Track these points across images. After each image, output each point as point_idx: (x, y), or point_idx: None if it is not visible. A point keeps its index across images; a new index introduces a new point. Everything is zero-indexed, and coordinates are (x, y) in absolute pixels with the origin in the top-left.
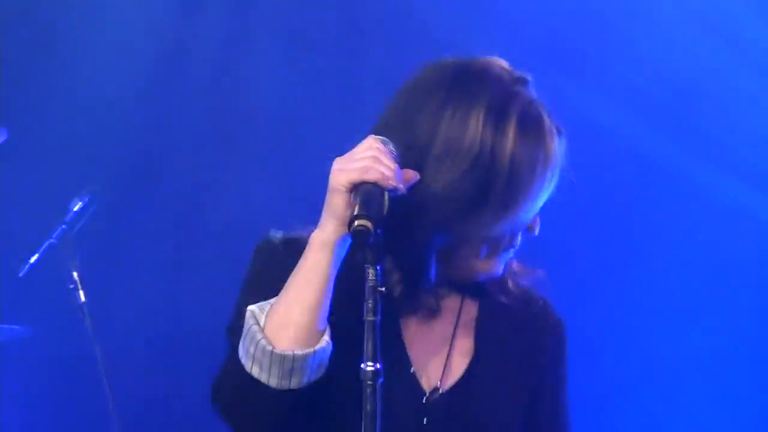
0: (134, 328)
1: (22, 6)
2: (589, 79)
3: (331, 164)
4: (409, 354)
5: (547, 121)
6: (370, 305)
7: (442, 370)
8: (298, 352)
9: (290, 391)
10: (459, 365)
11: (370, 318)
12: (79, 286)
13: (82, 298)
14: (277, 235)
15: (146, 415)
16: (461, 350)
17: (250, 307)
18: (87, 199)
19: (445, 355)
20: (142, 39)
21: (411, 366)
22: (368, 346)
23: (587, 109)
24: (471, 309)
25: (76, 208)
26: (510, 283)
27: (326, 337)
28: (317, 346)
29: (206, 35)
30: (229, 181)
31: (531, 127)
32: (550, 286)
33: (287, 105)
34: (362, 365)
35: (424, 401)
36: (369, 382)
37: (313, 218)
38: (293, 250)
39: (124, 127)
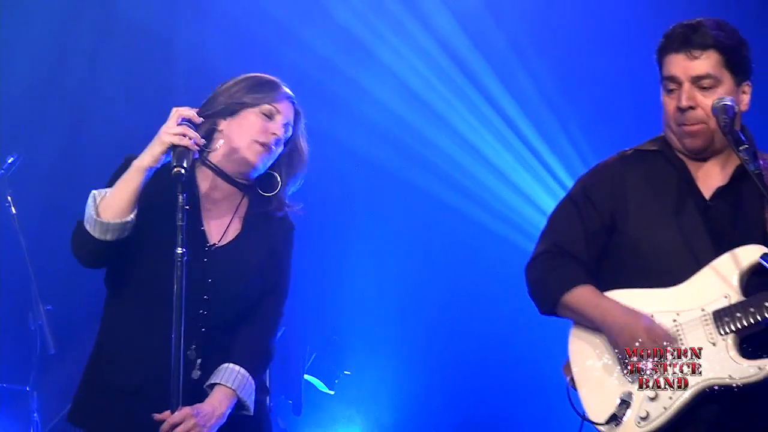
0: (46, 225)
1: None
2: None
3: None
4: (203, 222)
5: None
6: (179, 215)
7: (221, 234)
8: (111, 221)
9: (107, 241)
10: (231, 234)
11: (180, 223)
12: (12, 204)
13: (14, 211)
14: (134, 154)
15: (58, 281)
16: (236, 227)
17: (93, 192)
18: (17, 156)
19: (224, 227)
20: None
21: (201, 225)
22: (179, 238)
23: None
24: (244, 205)
25: (10, 161)
26: (275, 202)
27: (131, 216)
28: (122, 220)
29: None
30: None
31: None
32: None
33: None
34: (176, 249)
35: (206, 248)
36: (179, 260)
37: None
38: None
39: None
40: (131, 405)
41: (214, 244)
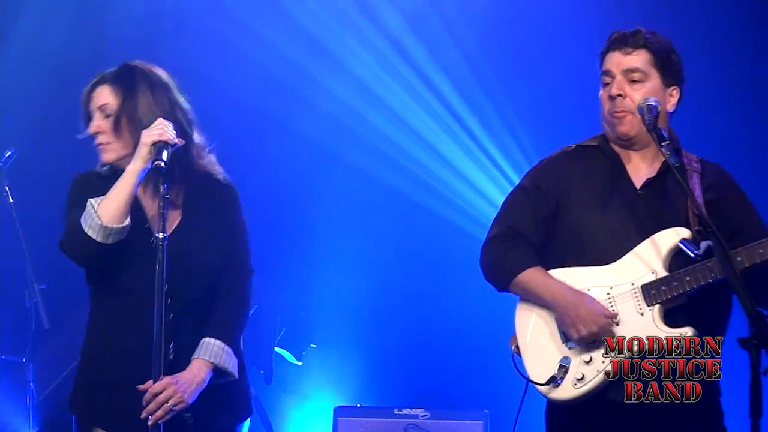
0: (40, 213)
1: None
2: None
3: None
4: (147, 219)
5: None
6: (161, 204)
7: (162, 225)
8: (114, 225)
9: (107, 244)
10: (174, 224)
11: (161, 211)
12: (9, 194)
13: (11, 200)
14: (80, 173)
15: (51, 263)
16: (176, 217)
17: (90, 200)
18: (13, 150)
19: (162, 220)
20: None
21: (146, 223)
22: (160, 224)
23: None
24: (178, 193)
25: (7, 154)
26: (205, 174)
27: (128, 220)
28: (122, 224)
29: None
30: None
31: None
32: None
33: None
34: (156, 234)
35: (151, 241)
36: (160, 243)
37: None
38: (92, 177)
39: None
40: (116, 395)
41: (156, 237)
